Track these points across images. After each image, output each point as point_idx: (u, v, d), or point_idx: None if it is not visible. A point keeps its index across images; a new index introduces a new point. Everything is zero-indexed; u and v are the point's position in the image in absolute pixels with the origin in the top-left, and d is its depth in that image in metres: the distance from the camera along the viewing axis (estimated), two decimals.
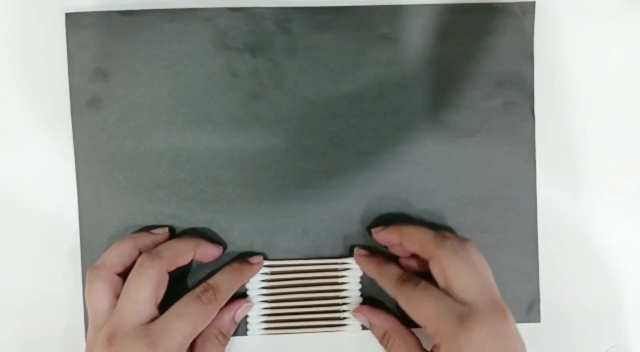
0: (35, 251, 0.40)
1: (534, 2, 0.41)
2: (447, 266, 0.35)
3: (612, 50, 0.42)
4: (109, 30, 0.40)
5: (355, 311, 0.40)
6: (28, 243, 0.40)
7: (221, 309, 0.38)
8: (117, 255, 0.37)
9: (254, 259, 0.40)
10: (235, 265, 0.39)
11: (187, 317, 0.35)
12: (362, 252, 0.40)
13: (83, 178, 0.40)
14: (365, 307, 0.40)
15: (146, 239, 0.38)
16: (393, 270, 0.38)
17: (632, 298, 0.41)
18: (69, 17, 0.40)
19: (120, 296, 0.36)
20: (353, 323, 0.40)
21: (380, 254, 0.40)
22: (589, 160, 0.41)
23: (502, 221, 0.41)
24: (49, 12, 0.40)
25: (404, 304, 0.36)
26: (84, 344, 0.40)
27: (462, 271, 0.35)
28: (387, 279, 0.38)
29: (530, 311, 0.41)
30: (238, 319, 0.39)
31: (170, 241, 0.38)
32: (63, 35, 0.40)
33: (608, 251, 0.42)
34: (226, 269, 0.39)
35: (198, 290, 0.37)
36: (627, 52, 0.42)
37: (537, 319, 0.41)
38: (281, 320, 0.40)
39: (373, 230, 0.40)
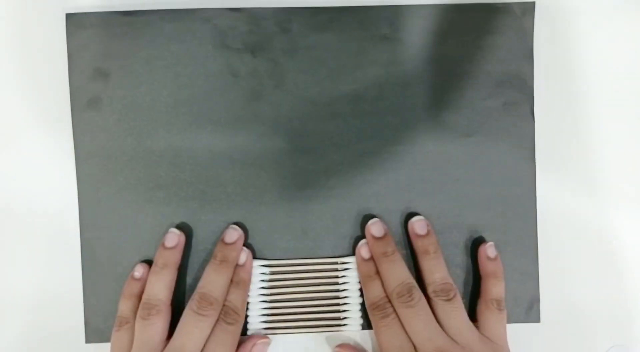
0: (35, 251, 0.40)
1: (534, 2, 0.41)
2: (401, 315, 0.37)
3: (612, 50, 0.42)
4: (109, 30, 0.40)
5: (339, 348, 0.40)
6: (28, 243, 0.40)
7: (237, 349, 0.39)
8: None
9: (240, 260, 0.39)
10: (233, 278, 0.39)
11: (225, 342, 0.37)
12: (365, 254, 0.40)
13: (83, 178, 0.40)
14: (347, 345, 0.40)
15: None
16: (373, 291, 0.38)
17: (632, 298, 0.41)
18: (70, 17, 0.40)
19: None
20: (353, 323, 0.40)
21: (374, 265, 0.39)
22: (588, 160, 0.41)
23: (502, 221, 0.41)
24: (50, 12, 0.40)
25: (373, 326, 0.38)
26: (84, 344, 0.40)
27: (413, 321, 0.37)
28: (365, 296, 0.39)
29: (530, 311, 0.41)
30: None
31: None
32: (63, 36, 0.40)
33: (608, 250, 0.42)
34: (231, 286, 0.39)
35: (222, 315, 0.37)
36: (627, 52, 0.42)
37: (537, 319, 0.41)
38: (281, 320, 0.40)
39: (371, 223, 0.40)
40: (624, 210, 0.42)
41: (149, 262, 0.40)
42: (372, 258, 0.39)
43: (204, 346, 0.37)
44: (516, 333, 0.39)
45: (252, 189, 0.40)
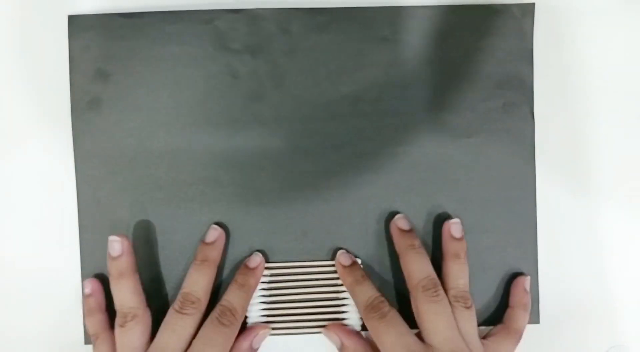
0: (34, 252, 0.40)
1: (533, 4, 0.41)
2: (422, 309, 0.37)
3: (612, 51, 0.42)
4: (111, 32, 0.40)
5: (328, 328, 0.40)
6: (27, 244, 0.40)
7: (237, 338, 0.38)
8: None
9: (252, 263, 0.39)
10: (239, 279, 0.39)
11: (215, 343, 0.36)
12: (345, 261, 0.40)
13: (83, 178, 0.40)
14: (338, 325, 0.40)
15: None
16: (365, 294, 0.38)
17: (631, 298, 0.41)
18: (72, 19, 0.40)
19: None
20: (353, 324, 0.40)
21: (359, 268, 0.39)
22: (588, 160, 0.41)
23: (502, 222, 0.41)
24: (52, 14, 0.40)
25: (370, 331, 0.38)
26: (83, 345, 0.40)
27: (435, 317, 0.36)
28: (357, 301, 0.38)
29: (530, 311, 0.40)
30: (256, 345, 0.39)
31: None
32: (65, 37, 0.40)
33: (608, 251, 0.41)
34: (233, 286, 0.38)
35: (216, 314, 0.37)
36: (626, 52, 0.42)
37: (536, 319, 0.41)
38: (281, 321, 0.40)
39: (398, 218, 0.40)
40: (623, 210, 0.41)
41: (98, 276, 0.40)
42: (353, 264, 0.39)
43: (191, 344, 0.36)
44: None
45: (251, 190, 0.40)
